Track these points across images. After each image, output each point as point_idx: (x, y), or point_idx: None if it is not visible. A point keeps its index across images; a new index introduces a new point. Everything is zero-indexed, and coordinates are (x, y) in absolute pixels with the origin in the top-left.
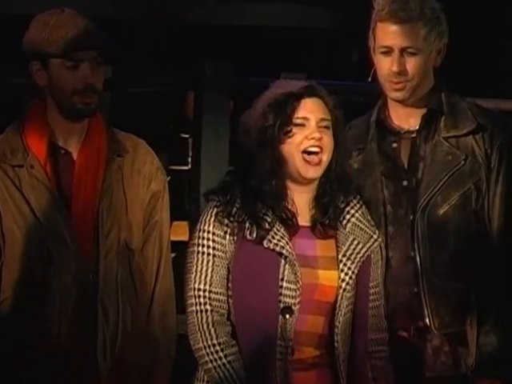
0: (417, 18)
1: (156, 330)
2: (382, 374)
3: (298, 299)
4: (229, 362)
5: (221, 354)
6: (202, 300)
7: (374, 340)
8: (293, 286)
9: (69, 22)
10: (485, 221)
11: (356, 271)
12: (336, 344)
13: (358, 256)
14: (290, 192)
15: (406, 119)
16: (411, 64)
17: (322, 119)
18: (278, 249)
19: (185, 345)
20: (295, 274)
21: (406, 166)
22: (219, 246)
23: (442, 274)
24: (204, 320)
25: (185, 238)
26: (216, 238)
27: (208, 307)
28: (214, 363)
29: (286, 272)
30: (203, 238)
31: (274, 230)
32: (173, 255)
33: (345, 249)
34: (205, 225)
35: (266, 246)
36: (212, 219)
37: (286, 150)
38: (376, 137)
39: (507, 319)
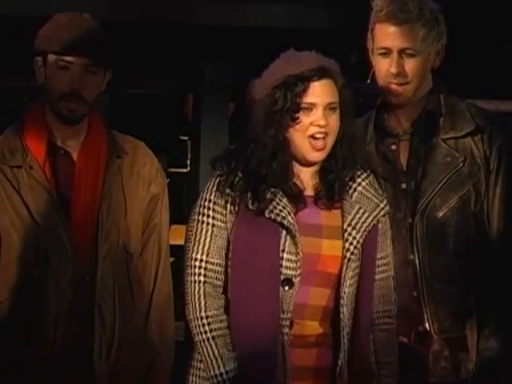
0: (415, 19)
1: (154, 336)
2: (384, 347)
3: (298, 271)
4: (213, 338)
5: (206, 327)
6: (196, 270)
7: (381, 312)
8: (293, 258)
9: (75, 25)
10: (484, 223)
11: (361, 240)
12: (341, 315)
13: (364, 225)
14: (295, 169)
15: (404, 121)
16: (410, 65)
17: (329, 103)
18: (279, 219)
19: (182, 351)
20: (296, 245)
21: (404, 168)
22: (219, 216)
23: (442, 277)
24: (196, 291)
25: (183, 242)
26: (216, 208)
27: (202, 278)
28: (199, 336)
29: (287, 243)
30: (204, 207)
31: (276, 200)
32: (171, 259)
33: (350, 218)
34: (206, 193)
35: (267, 216)
36: (214, 188)
37: (292, 134)
38: (374, 138)
39: (507, 323)
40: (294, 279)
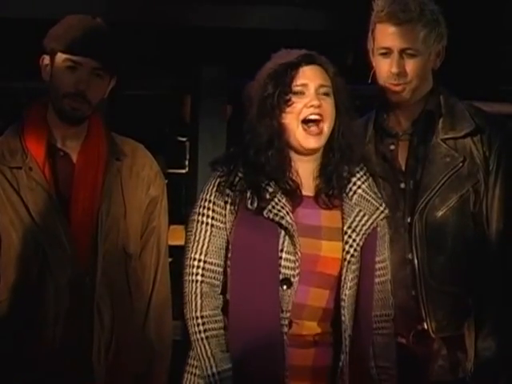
0: (416, 20)
1: (152, 336)
2: (383, 351)
3: (296, 271)
4: (206, 338)
5: (201, 327)
6: (194, 270)
7: (379, 316)
8: (292, 258)
9: (86, 27)
10: (483, 223)
11: (361, 243)
12: (343, 318)
13: (364, 228)
14: (294, 163)
15: (404, 121)
16: (410, 65)
17: (321, 85)
18: (277, 219)
19: (180, 351)
20: (294, 245)
21: (403, 168)
22: (218, 216)
23: (440, 276)
24: (193, 291)
25: (182, 242)
26: (216, 208)
27: (199, 278)
28: (194, 336)
29: (285, 243)
30: (203, 208)
31: (275, 200)
32: (169, 260)
33: (350, 220)
34: (206, 194)
35: (265, 216)
36: (214, 189)
37: (286, 119)
38: (373, 138)
39: (505, 323)
40: (292, 279)
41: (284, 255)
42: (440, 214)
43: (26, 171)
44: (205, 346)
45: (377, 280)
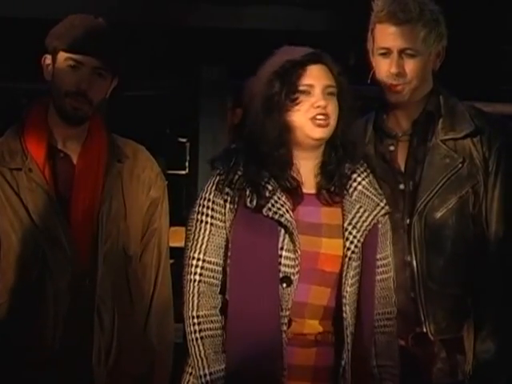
0: (416, 20)
1: (153, 340)
2: (385, 349)
3: (296, 269)
4: (201, 338)
5: (196, 327)
6: (193, 269)
7: (381, 314)
8: (292, 256)
9: (88, 26)
10: (482, 225)
11: (362, 240)
12: (345, 315)
13: (364, 224)
14: (296, 160)
15: (403, 122)
16: (410, 66)
17: (327, 86)
18: (277, 217)
19: (182, 354)
20: (294, 242)
21: (402, 169)
22: (218, 215)
23: (439, 278)
24: (191, 290)
25: (182, 243)
26: (215, 207)
27: (197, 277)
28: (189, 336)
29: (285, 241)
30: (203, 206)
31: (275, 197)
32: (170, 261)
33: (350, 217)
34: (206, 193)
35: (265, 214)
36: (213, 187)
37: (294, 117)
38: (373, 139)
39: (504, 325)
40: (292, 277)
41: (284, 253)
42: (439, 215)
43: (25, 172)
44: (199, 347)
45: (379, 277)
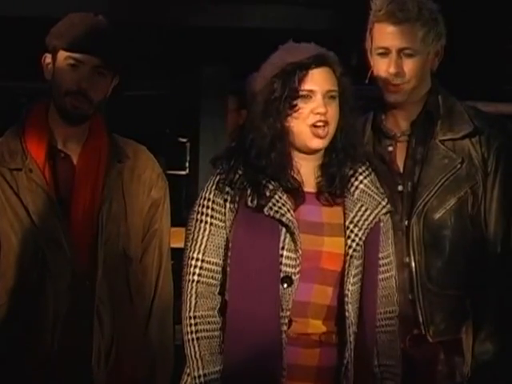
0: (415, 19)
1: (154, 342)
2: (386, 349)
3: (297, 268)
4: (197, 339)
5: (193, 328)
6: (192, 270)
7: (382, 313)
8: (293, 255)
9: (88, 24)
10: (481, 225)
11: (363, 238)
12: (347, 314)
13: (366, 223)
14: (296, 161)
15: (402, 122)
16: (409, 65)
17: (328, 91)
18: (278, 216)
19: (182, 355)
20: (295, 242)
21: (401, 169)
22: (218, 215)
23: (437, 280)
24: (189, 290)
25: (182, 244)
26: (215, 207)
27: (196, 277)
28: (185, 336)
29: (286, 240)
30: (203, 206)
31: (276, 197)
32: (171, 262)
33: (352, 215)
34: (206, 192)
35: (266, 213)
36: (213, 187)
37: (292, 122)
38: (372, 140)
39: (503, 327)
40: (293, 277)
41: (285, 253)
42: (438, 216)
43: (26, 173)
44: (194, 347)
45: (381, 276)
